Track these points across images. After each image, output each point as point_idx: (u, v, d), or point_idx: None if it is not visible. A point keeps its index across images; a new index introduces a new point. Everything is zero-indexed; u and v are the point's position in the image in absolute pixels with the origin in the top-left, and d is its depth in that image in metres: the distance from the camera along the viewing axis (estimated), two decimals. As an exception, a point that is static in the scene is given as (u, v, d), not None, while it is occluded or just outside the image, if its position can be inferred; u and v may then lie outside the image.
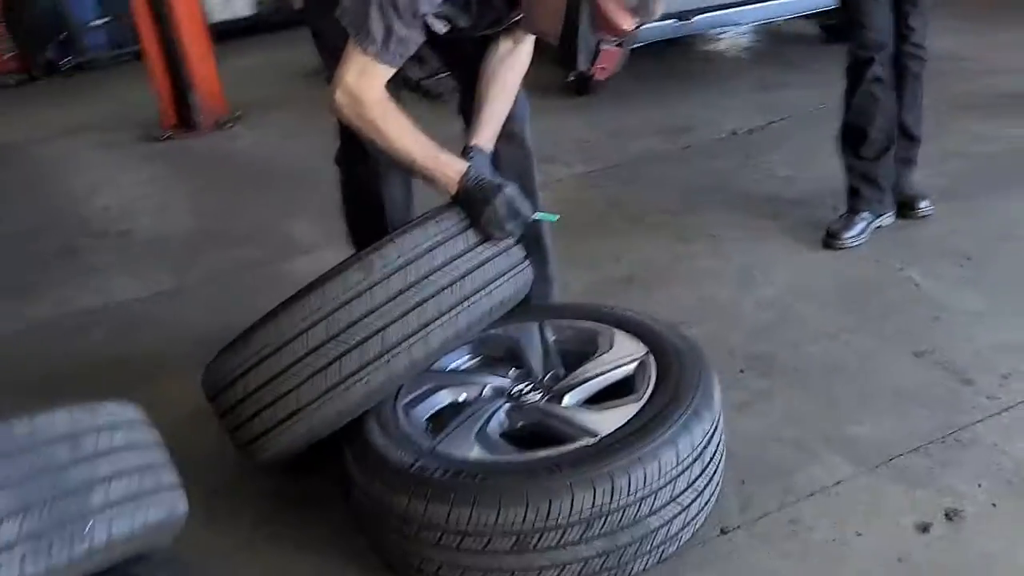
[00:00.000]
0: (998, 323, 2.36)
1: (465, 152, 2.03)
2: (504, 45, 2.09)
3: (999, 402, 2.05)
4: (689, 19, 4.45)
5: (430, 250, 1.82)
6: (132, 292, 3.29)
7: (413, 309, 1.76)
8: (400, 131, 1.90)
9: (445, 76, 5.29)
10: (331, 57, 1.92)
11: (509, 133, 2.18)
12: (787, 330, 2.46)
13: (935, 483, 1.84)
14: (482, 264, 1.87)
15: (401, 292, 1.76)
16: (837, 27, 5.14)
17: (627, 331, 1.98)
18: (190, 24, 5.19)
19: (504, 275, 1.91)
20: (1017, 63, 4.47)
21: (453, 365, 2.05)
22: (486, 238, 1.88)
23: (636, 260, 2.98)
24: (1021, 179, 3.19)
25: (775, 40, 5.58)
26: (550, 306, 2.27)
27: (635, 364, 1.88)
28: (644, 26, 1.83)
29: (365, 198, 2.29)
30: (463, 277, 1.83)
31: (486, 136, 2.08)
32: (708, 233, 3.10)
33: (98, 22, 9.00)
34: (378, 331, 1.73)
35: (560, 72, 5.06)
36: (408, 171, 1.99)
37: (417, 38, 1.86)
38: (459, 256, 1.85)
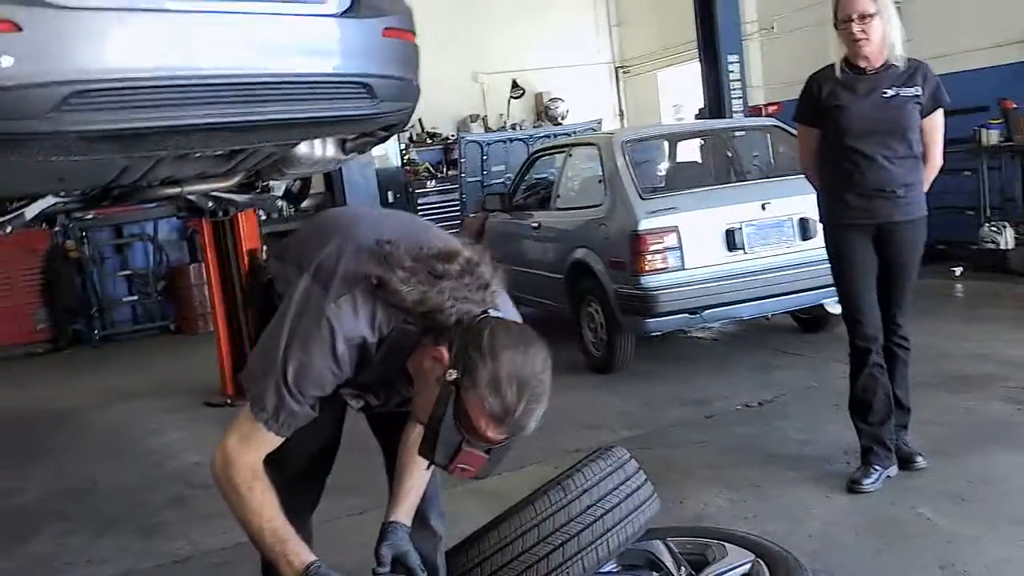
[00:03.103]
0: (996, 543, 3.07)
1: (384, 528, 2.16)
2: (417, 428, 2.05)
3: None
4: (699, 313, 5.44)
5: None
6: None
7: (591, 524, 2.44)
8: (260, 505, 1.92)
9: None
10: None
11: (420, 515, 2.31)
12: (834, 554, 3.14)
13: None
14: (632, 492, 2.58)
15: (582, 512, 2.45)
16: (810, 320, 6.25)
17: (734, 543, 2.67)
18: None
19: (642, 505, 2.60)
20: (959, 350, 5.47)
21: (605, 570, 2.69)
22: None
23: (698, 503, 3.67)
24: (984, 439, 4.01)
25: (760, 329, 6.63)
26: (670, 527, 2.94)
27: (749, 566, 2.55)
28: (513, 440, 1.83)
29: None
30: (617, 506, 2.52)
31: (403, 512, 2.20)
32: (752, 483, 3.84)
33: (126, 299, 9.99)
34: (573, 537, 2.40)
35: (586, 352, 6.01)
36: (254, 544, 1.99)
37: (309, 413, 1.94)
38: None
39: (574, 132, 8.98)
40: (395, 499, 2.24)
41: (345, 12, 3.09)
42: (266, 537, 1.94)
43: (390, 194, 10.95)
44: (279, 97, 2.89)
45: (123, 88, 2.52)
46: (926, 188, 3.72)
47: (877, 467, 3.66)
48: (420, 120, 11.93)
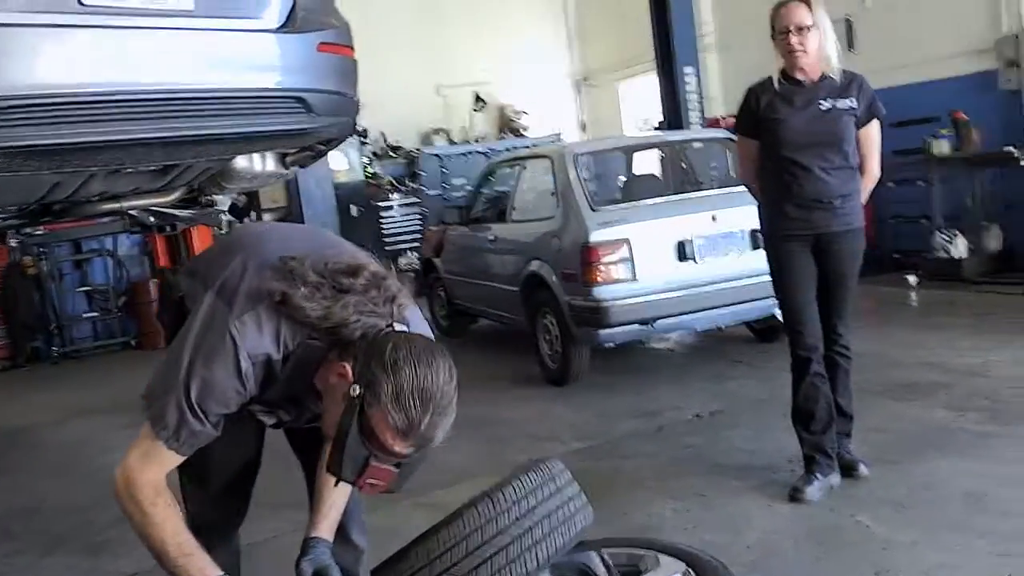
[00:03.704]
0: (932, 549, 3.11)
1: (305, 544, 2.16)
2: None
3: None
4: (651, 324, 5.47)
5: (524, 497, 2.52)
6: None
7: (520, 536, 2.44)
8: (163, 520, 1.90)
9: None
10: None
11: (341, 529, 2.31)
12: (773, 562, 3.16)
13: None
14: (563, 504, 2.58)
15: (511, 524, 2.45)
16: (765, 330, 6.30)
17: (667, 554, 2.68)
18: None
19: (574, 517, 2.61)
20: (909, 358, 5.54)
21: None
22: None
23: (642, 515, 3.68)
24: (927, 446, 4.06)
25: (717, 340, 6.68)
26: (603, 539, 2.95)
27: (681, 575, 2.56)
28: (421, 452, 1.83)
29: None
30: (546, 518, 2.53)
31: (324, 528, 2.20)
32: (696, 493, 3.85)
33: (86, 315, 9.88)
34: (501, 549, 2.39)
35: (542, 364, 6.02)
36: (158, 562, 1.96)
37: (211, 432, 1.92)
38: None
39: (533, 145, 9.02)
40: (316, 515, 2.22)
41: (281, 27, 3.09)
42: (170, 552, 1.92)
43: (352, 207, 10.92)
44: (211, 112, 2.88)
45: (45, 104, 2.49)
46: (864, 198, 3.77)
47: (819, 475, 3.69)
48: (383, 134, 11.93)
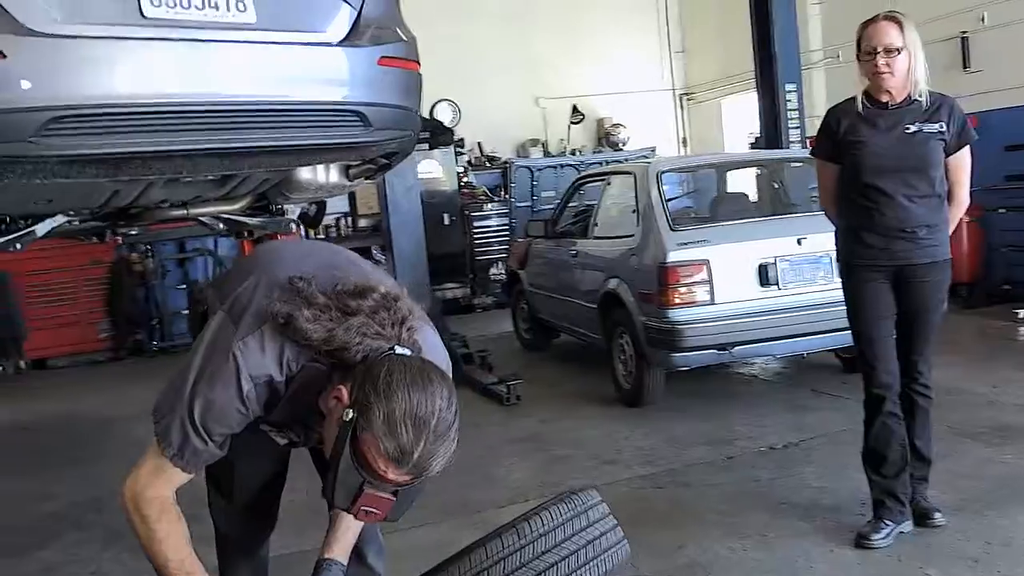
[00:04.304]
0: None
1: (318, 566, 2.15)
2: None
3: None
4: (728, 350, 5.28)
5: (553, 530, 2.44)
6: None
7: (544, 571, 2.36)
8: (167, 536, 1.92)
9: (516, 383, 6.12)
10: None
11: (357, 552, 2.30)
12: (830, 613, 2.98)
13: None
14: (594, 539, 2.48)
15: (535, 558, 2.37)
16: (852, 359, 5.99)
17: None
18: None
19: (605, 553, 2.50)
20: (1008, 399, 5.19)
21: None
22: None
23: (697, 549, 3.54)
24: (1014, 498, 3.76)
25: (802, 367, 6.41)
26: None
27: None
28: (419, 480, 1.76)
29: None
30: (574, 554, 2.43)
31: (338, 549, 2.18)
32: (758, 531, 3.67)
33: (184, 312, 10.23)
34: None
35: (616, 384, 5.90)
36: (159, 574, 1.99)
37: (215, 452, 1.94)
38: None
39: (626, 159, 8.88)
40: (331, 536, 2.20)
41: (342, 41, 3.10)
42: (171, 568, 1.94)
43: (446, 216, 10.99)
44: (266, 124, 2.91)
45: (103, 114, 2.56)
46: (952, 228, 3.53)
47: (888, 522, 3.46)
48: (480, 144, 11.97)
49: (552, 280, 7.22)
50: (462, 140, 11.58)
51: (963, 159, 3.47)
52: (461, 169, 11.56)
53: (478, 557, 2.35)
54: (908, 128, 3.38)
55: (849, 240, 3.54)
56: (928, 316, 3.48)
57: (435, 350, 2.00)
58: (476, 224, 11.23)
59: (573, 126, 12.23)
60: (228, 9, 2.82)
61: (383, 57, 3.16)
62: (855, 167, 3.44)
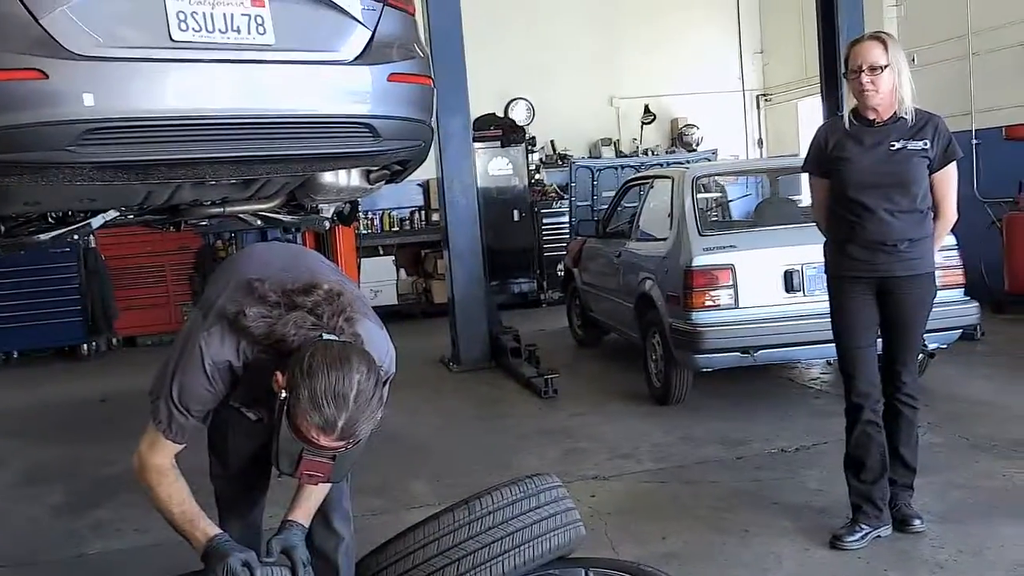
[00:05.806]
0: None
1: (282, 526, 2.39)
2: None
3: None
4: (751, 354, 5.41)
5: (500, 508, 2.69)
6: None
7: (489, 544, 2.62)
8: (169, 494, 2.28)
9: (553, 376, 6.37)
10: None
11: (324, 517, 2.60)
12: (784, 606, 3.16)
13: None
14: (543, 519, 2.73)
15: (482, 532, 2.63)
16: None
17: (647, 581, 2.77)
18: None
19: (552, 533, 2.74)
20: (1029, 411, 5.18)
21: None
22: None
23: (679, 541, 3.74)
24: (1001, 511, 3.82)
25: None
26: (593, 557, 3.07)
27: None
28: (351, 445, 2.04)
29: None
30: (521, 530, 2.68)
31: (300, 513, 2.43)
32: (741, 528, 3.85)
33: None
34: (469, 553, 2.59)
35: (648, 382, 6.09)
36: (173, 527, 2.33)
37: (197, 424, 2.31)
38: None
39: (687, 162, 9.00)
40: (294, 502, 2.49)
41: (356, 59, 3.41)
42: (176, 519, 2.31)
43: (516, 212, 11.31)
44: (281, 135, 3.25)
45: (132, 126, 2.94)
46: (939, 243, 3.63)
47: (864, 525, 3.59)
48: (552, 142, 12.20)
49: (601, 279, 7.43)
50: (534, 138, 11.85)
51: (948, 175, 3.56)
52: (533, 166, 11.83)
53: (431, 528, 2.65)
54: (893, 145, 3.49)
55: (835, 252, 3.67)
56: (909, 328, 3.60)
57: (376, 338, 2.33)
58: (545, 221, 11.50)
59: (646, 126, 12.33)
60: (249, 32, 3.17)
61: (393, 73, 3.46)
62: (841, 182, 3.57)
